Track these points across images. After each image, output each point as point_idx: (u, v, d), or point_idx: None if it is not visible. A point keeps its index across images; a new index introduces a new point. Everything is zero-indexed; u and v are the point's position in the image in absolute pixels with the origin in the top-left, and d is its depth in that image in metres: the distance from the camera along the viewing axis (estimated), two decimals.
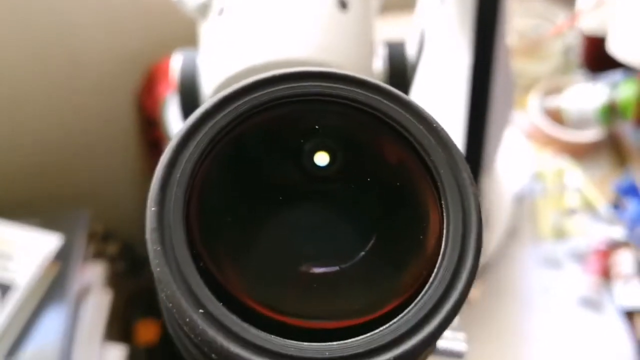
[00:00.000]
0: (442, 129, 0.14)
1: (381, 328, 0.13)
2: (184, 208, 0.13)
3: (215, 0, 0.38)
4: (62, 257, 0.82)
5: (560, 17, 0.84)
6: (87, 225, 0.88)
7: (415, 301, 0.13)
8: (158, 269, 0.13)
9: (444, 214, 0.13)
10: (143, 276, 1.16)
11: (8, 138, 0.95)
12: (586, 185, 0.75)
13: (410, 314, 0.13)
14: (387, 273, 0.14)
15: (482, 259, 0.60)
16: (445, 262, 0.13)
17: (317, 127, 0.14)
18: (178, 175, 0.13)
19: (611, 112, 0.74)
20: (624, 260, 0.69)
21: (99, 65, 0.92)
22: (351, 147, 0.15)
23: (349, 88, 0.14)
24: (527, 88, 0.82)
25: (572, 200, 0.73)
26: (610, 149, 0.80)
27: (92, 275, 0.91)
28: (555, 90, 0.80)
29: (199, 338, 0.13)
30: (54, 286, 0.80)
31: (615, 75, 0.77)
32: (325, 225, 0.14)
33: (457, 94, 0.56)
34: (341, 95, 0.14)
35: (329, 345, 0.12)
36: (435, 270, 0.13)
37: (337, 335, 0.13)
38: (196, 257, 0.13)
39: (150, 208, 0.14)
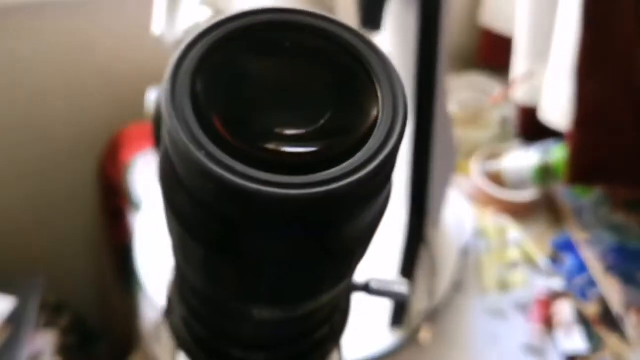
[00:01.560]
0: (381, 51, 0.19)
1: (343, 164, 0.17)
2: (193, 80, 0.18)
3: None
4: (14, 322, 0.82)
5: (498, 89, 0.92)
6: (40, 291, 0.89)
7: (365, 146, 0.17)
8: (170, 125, 0.17)
9: (380, 96, 0.18)
10: (94, 353, 1.15)
11: None
12: (526, 241, 0.80)
13: (362, 153, 0.17)
14: (343, 133, 0.18)
15: (431, 305, 0.63)
16: (383, 122, 0.18)
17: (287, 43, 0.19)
18: (188, 63, 0.18)
19: (545, 173, 0.81)
20: (564, 309, 0.74)
21: (62, 132, 0.95)
22: (311, 54, 0.19)
23: (319, 21, 0.19)
24: (469, 154, 0.89)
25: (513, 254, 0.78)
26: (547, 208, 0.86)
27: (43, 344, 0.91)
28: (495, 155, 0.86)
29: (206, 177, 0.16)
30: (4, 350, 0.80)
31: (548, 142, 0.84)
32: (293, 97, 0.19)
33: (402, 155, 0.62)
34: (313, 24, 0.19)
35: (306, 176, 0.17)
36: (376, 129, 0.17)
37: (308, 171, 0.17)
38: (199, 117, 0.17)
39: (165, 81, 0.17)
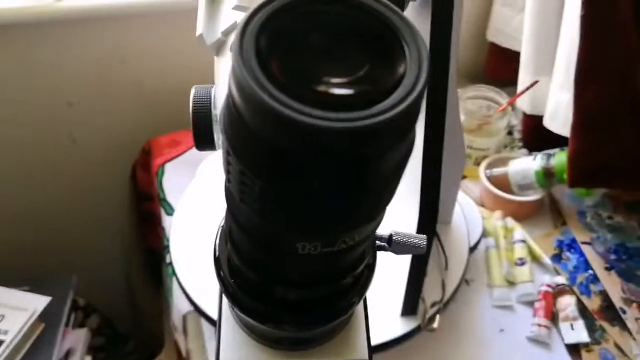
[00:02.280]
0: (409, 21, 0.24)
1: (382, 102, 0.21)
2: (256, 40, 0.22)
3: (230, 39, 0.45)
4: (48, 319, 0.88)
5: (505, 100, 0.98)
6: (73, 290, 0.95)
7: (396, 91, 0.22)
8: (238, 72, 0.21)
9: (408, 54, 0.23)
10: (122, 354, 1.20)
11: (6, 209, 1.02)
12: (531, 240, 0.86)
13: (394, 96, 0.21)
14: (379, 82, 0.23)
15: (442, 297, 0.69)
16: (410, 74, 0.22)
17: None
18: (252, 26, 0.23)
19: (548, 177, 0.86)
20: (568, 303, 0.79)
21: (97, 141, 1.01)
22: (356, 19, 0.24)
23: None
24: (478, 160, 0.95)
25: (520, 252, 0.84)
26: (551, 209, 0.91)
27: (75, 341, 0.96)
28: (502, 161, 0.92)
29: (267, 114, 0.20)
30: (38, 345, 0.86)
31: (552, 150, 0.90)
32: (337, 54, 0.24)
33: (415, 159, 0.67)
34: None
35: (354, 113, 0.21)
36: (405, 78, 0.22)
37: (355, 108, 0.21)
38: (263, 67, 0.22)
39: (237, 36, 0.22)
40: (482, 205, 0.91)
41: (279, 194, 0.24)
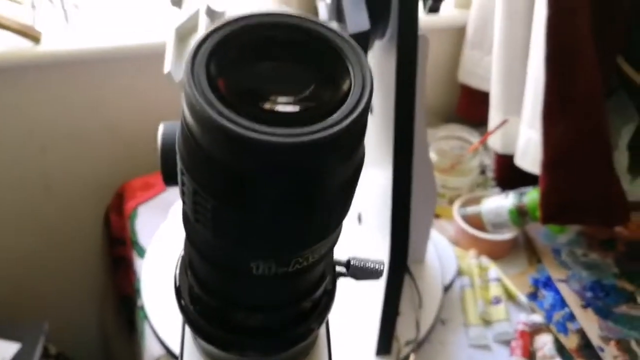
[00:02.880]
0: (352, 41, 0.25)
1: (327, 119, 0.22)
2: (207, 62, 0.23)
3: None
4: None
5: (477, 139, 0.99)
6: (44, 337, 0.92)
7: (339, 109, 0.22)
8: (189, 92, 0.22)
9: (352, 74, 0.24)
10: None
11: None
12: (506, 278, 0.85)
13: (337, 114, 0.22)
14: (324, 100, 0.23)
15: (417, 336, 0.68)
16: (354, 92, 0.23)
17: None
18: (203, 50, 0.23)
19: (521, 214, 0.87)
20: (544, 342, 0.78)
21: (70, 184, 1.01)
22: (301, 42, 0.25)
23: (303, 21, 0.25)
24: (451, 200, 0.95)
25: (495, 291, 0.83)
26: (525, 247, 0.92)
27: None
28: (475, 200, 0.92)
29: (215, 130, 0.21)
30: None
31: (525, 188, 0.91)
32: (283, 75, 0.25)
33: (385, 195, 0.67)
34: (299, 24, 0.25)
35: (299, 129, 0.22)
36: (349, 97, 0.23)
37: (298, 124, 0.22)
38: (213, 88, 0.22)
39: (188, 60, 0.23)
40: (456, 244, 0.91)
41: (230, 212, 0.24)
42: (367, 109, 0.23)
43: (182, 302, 0.32)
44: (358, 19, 0.54)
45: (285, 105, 0.23)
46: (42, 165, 0.97)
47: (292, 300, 0.30)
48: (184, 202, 0.27)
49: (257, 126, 0.22)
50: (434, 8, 0.63)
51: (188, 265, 0.31)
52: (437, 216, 0.95)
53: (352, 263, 0.34)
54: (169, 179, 0.47)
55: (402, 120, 0.63)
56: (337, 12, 0.57)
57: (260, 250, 0.26)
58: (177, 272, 0.33)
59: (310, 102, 0.23)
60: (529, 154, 0.88)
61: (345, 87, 0.24)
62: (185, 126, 0.24)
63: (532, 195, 0.86)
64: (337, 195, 0.25)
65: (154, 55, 0.84)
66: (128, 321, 1.03)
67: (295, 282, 0.29)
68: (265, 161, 0.22)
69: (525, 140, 0.88)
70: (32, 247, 1.03)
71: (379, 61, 0.64)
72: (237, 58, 0.24)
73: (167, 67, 0.54)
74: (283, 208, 0.24)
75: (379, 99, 0.66)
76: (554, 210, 0.82)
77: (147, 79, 0.91)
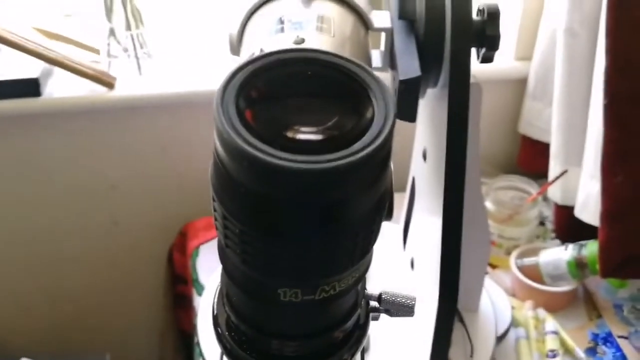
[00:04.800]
0: (375, 74, 0.26)
1: (357, 143, 0.23)
2: (237, 95, 0.25)
3: None
4: None
5: (536, 190, 0.98)
6: None
7: (367, 134, 0.24)
8: (218, 119, 0.24)
9: (375, 107, 0.25)
10: None
11: (43, 286, 1.05)
12: (564, 332, 0.83)
13: (358, 144, 0.23)
14: (347, 130, 0.25)
15: None
16: (376, 123, 0.24)
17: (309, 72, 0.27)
18: (234, 82, 0.25)
19: (580, 267, 0.85)
20: None
21: (136, 224, 1.05)
22: (325, 76, 0.26)
23: (331, 57, 0.27)
24: (509, 250, 0.94)
25: (551, 344, 0.81)
26: (585, 301, 0.89)
27: None
28: (533, 252, 0.91)
29: (245, 161, 0.23)
30: None
31: (584, 240, 0.89)
32: (309, 107, 0.26)
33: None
34: (326, 59, 0.27)
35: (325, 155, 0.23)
36: (371, 128, 0.24)
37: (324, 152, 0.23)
38: (241, 119, 0.24)
39: (219, 90, 0.25)
40: (513, 295, 0.89)
41: (256, 237, 0.26)
42: (389, 138, 0.24)
43: (219, 330, 0.34)
44: (409, 66, 0.55)
45: (308, 134, 0.25)
46: (111, 203, 1.02)
47: (322, 329, 0.31)
48: (216, 228, 0.29)
49: (280, 153, 0.23)
50: (487, 57, 0.64)
51: (225, 295, 0.33)
52: (494, 266, 0.94)
53: (383, 297, 0.35)
54: None
55: (453, 167, 0.64)
56: (390, 59, 0.59)
57: (285, 275, 0.27)
58: (215, 301, 0.35)
59: (333, 131, 0.25)
60: (590, 205, 0.86)
61: (368, 117, 0.25)
62: (215, 154, 0.26)
63: (591, 248, 0.84)
64: (361, 224, 0.26)
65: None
66: (187, 358, 1.05)
67: (323, 311, 0.30)
68: (287, 187, 0.23)
69: (586, 192, 0.87)
70: (97, 281, 1.07)
71: (433, 109, 0.66)
72: (266, 91, 0.26)
73: None
74: (306, 234, 0.25)
75: (432, 146, 0.68)
76: (614, 263, 0.80)
77: (213, 124, 0.96)
